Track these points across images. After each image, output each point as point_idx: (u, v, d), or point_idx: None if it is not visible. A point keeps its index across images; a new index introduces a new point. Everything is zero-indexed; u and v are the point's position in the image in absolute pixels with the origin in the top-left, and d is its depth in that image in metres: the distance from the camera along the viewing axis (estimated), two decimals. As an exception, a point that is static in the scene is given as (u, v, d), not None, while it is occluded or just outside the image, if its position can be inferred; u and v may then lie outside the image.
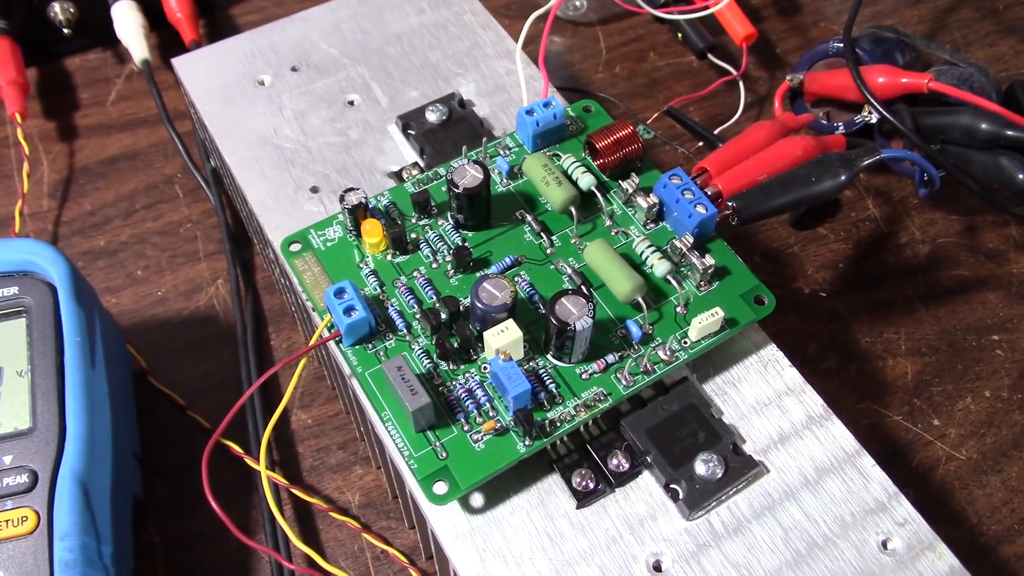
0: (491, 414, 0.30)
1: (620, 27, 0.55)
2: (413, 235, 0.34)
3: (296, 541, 0.33)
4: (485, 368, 0.31)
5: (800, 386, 0.32)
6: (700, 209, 0.33)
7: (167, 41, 0.53)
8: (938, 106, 0.43)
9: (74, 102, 0.51)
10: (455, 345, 0.31)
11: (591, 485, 0.30)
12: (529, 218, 0.34)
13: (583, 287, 0.33)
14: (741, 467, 0.30)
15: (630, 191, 0.34)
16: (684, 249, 0.33)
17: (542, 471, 0.31)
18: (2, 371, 0.33)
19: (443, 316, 0.31)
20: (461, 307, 0.32)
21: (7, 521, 0.30)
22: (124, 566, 0.33)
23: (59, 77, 0.52)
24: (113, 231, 0.46)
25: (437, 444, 0.29)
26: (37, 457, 0.31)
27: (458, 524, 0.30)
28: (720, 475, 0.30)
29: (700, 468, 0.30)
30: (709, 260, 0.32)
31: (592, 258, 0.33)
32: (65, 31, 0.50)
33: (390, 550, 0.37)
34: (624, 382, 0.31)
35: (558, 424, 0.30)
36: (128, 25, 0.50)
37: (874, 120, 0.44)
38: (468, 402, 0.30)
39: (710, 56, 0.52)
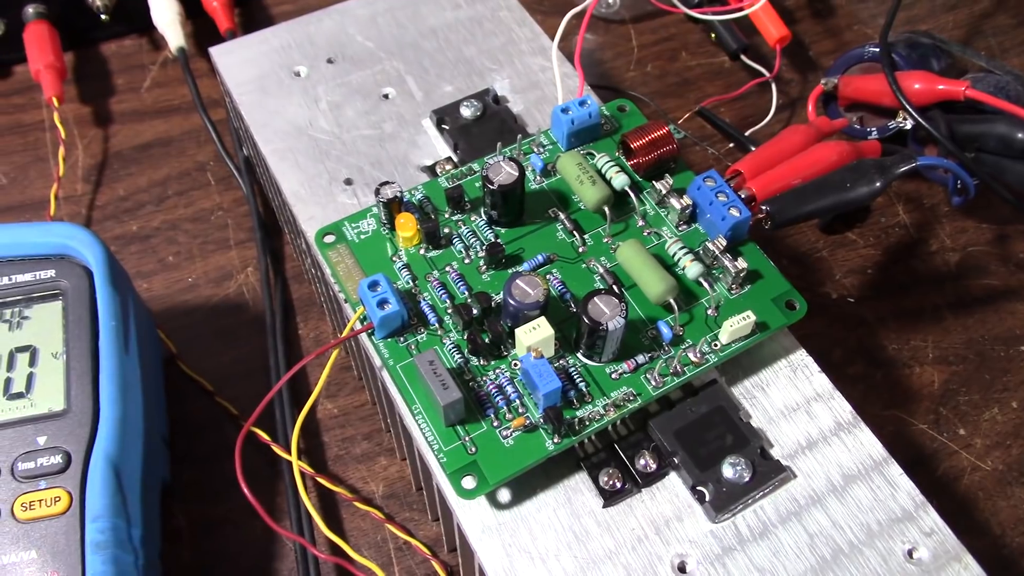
0: (520, 411, 0.30)
1: (652, 26, 0.54)
2: (446, 230, 0.34)
3: (324, 528, 0.34)
4: (516, 365, 0.31)
5: (829, 392, 0.32)
6: (734, 212, 0.33)
7: (202, 29, 0.53)
8: (974, 114, 0.43)
9: (110, 88, 0.52)
10: (486, 341, 0.31)
11: (618, 484, 0.30)
12: (562, 216, 0.34)
13: (615, 287, 0.33)
14: (768, 471, 0.30)
15: (663, 192, 0.34)
16: (717, 252, 0.33)
17: (569, 469, 0.31)
18: (38, 352, 0.34)
19: (475, 312, 0.31)
20: (493, 303, 0.32)
21: (40, 501, 0.31)
22: (152, 548, 0.33)
23: (95, 62, 0.53)
24: (145, 216, 0.47)
25: (466, 439, 0.30)
26: (71, 439, 0.32)
27: (485, 519, 0.30)
28: (747, 479, 0.30)
29: (727, 471, 0.30)
30: (741, 263, 0.32)
31: (624, 258, 0.33)
32: (103, 17, 0.51)
33: (413, 541, 0.37)
34: (653, 383, 0.31)
35: (587, 423, 0.30)
36: (164, 12, 0.50)
37: (908, 126, 0.43)
38: (498, 398, 0.30)
39: (743, 57, 0.51)
